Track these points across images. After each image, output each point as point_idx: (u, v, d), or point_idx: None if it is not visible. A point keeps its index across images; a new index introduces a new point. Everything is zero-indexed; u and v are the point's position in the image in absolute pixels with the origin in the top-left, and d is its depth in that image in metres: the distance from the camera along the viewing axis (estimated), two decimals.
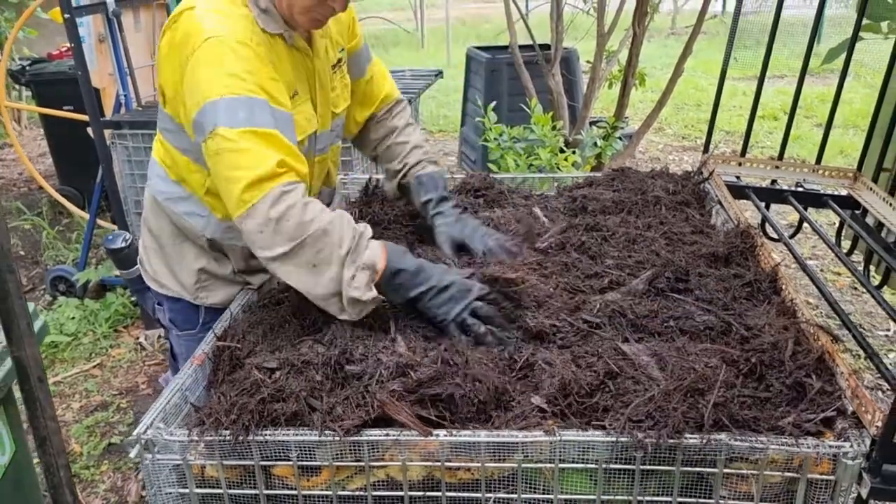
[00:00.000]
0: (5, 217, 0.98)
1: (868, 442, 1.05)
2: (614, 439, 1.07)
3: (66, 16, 3.09)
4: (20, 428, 1.50)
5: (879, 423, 1.05)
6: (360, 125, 1.88)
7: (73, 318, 3.65)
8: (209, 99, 1.34)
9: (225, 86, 1.34)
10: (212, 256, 1.66)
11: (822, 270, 4.12)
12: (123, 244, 1.74)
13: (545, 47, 4.42)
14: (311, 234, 1.30)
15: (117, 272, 3.68)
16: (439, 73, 4.29)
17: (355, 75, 1.80)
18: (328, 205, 1.78)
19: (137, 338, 3.58)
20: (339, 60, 1.70)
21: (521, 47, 4.46)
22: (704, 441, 1.05)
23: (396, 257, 1.37)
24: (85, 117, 3.32)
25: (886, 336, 3.52)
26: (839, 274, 4.12)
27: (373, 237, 1.40)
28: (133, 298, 3.77)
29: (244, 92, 1.34)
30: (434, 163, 1.83)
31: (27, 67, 4.78)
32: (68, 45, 5.10)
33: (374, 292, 1.33)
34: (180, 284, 1.69)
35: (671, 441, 1.06)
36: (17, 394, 1.19)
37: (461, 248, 1.66)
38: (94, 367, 3.38)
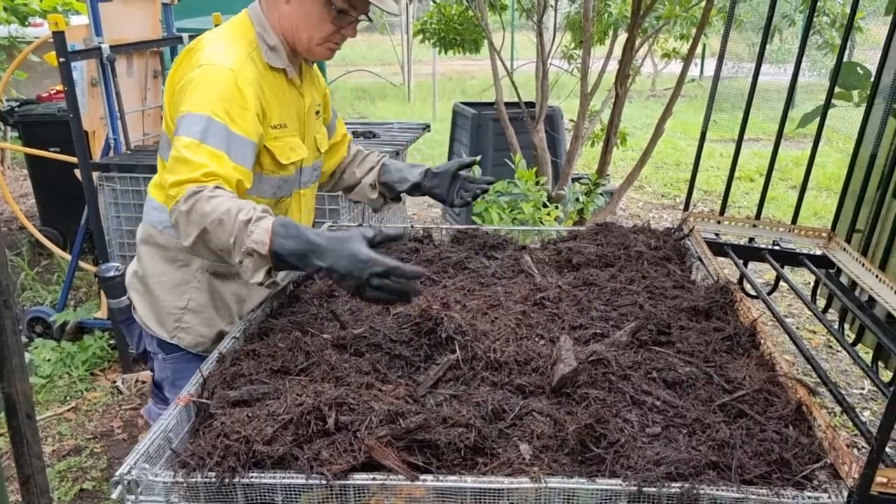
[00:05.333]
0: (5, 253, 1.00)
1: (845, 493, 1.08)
2: (599, 487, 1.09)
3: (62, 60, 3.14)
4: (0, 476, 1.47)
5: (856, 475, 1.07)
6: (327, 174, 2.09)
7: (49, 359, 3.59)
8: (184, 112, 1.53)
9: (197, 103, 1.53)
10: (197, 286, 1.75)
11: (797, 328, 4.19)
12: (115, 273, 1.83)
13: (530, 105, 4.55)
14: (210, 223, 1.39)
15: (105, 307, 3.68)
16: (427, 127, 4.38)
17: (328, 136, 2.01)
18: None
19: (114, 381, 3.53)
20: (318, 112, 1.87)
21: (507, 104, 4.59)
22: (687, 489, 1.07)
23: (284, 239, 1.35)
24: (73, 159, 3.33)
25: (861, 394, 3.57)
26: (814, 332, 4.19)
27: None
28: (112, 342, 3.73)
29: (208, 112, 1.51)
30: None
31: (16, 109, 4.82)
32: (57, 87, 5.17)
33: (262, 276, 1.37)
34: (160, 325, 1.79)
35: (654, 489, 1.07)
36: None
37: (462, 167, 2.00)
38: (69, 410, 3.32)
